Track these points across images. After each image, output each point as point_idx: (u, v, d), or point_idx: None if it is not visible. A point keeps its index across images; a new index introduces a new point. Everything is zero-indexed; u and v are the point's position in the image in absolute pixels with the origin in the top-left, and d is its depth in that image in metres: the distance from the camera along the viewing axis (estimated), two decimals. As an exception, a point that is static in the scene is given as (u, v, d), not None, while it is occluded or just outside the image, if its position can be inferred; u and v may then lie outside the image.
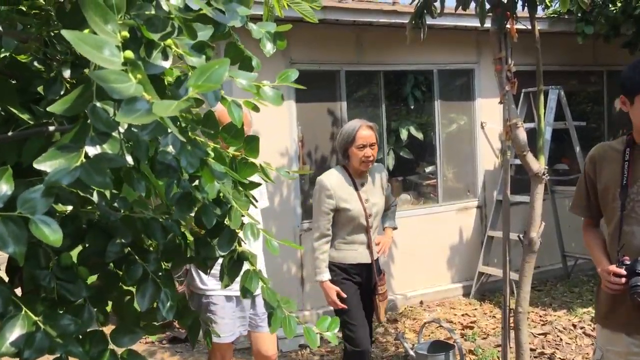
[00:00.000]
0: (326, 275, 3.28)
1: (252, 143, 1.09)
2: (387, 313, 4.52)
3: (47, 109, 0.67)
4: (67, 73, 0.94)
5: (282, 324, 1.10)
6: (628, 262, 2.10)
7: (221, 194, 1.00)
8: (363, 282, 3.38)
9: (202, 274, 2.79)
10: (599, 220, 2.42)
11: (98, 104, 0.69)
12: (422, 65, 5.79)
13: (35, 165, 0.63)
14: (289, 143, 5.09)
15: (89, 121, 0.66)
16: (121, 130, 0.71)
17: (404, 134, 5.80)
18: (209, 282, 2.80)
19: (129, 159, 0.77)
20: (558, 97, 5.70)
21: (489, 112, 6.03)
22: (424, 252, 5.76)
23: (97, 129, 0.66)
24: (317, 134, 5.47)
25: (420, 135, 5.86)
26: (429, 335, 4.59)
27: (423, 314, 5.34)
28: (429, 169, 6.10)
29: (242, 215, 1.02)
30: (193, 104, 0.76)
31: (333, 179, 3.28)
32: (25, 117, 0.93)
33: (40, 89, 0.97)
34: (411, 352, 4.04)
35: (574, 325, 4.88)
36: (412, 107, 5.89)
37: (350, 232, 3.32)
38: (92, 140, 0.66)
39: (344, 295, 3.24)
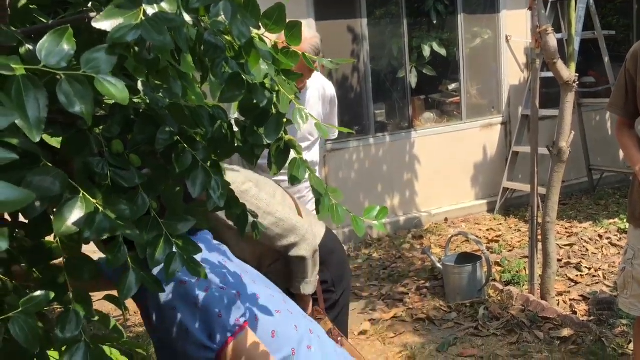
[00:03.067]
0: None
1: (294, 29, 1.06)
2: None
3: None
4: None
5: (330, 211, 1.11)
6: None
7: (267, 79, 0.98)
8: None
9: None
10: (634, 121, 2.37)
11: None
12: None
13: (94, 24, 0.61)
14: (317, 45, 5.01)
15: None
16: (177, -10, 0.69)
17: (426, 51, 5.66)
18: None
19: (187, 18, 0.75)
20: (587, 6, 5.47)
21: (514, 25, 5.84)
22: (448, 169, 5.75)
23: (153, -11, 0.64)
24: (338, 53, 5.36)
25: (443, 52, 5.71)
26: (455, 250, 4.65)
27: (448, 230, 5.40)
28: (452, 86, 5.99)
29: (290, 101, 1.00)
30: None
31: None
32: None
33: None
34: (438, 265, 4.12)
35: (600, 236, 4.90)
36: (434, 22, 5.71)
37: None
38: (149, -1, 0.64)
39: None
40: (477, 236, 5.08)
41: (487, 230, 5.41)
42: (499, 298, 3.78)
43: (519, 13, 5.85)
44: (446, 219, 5.73)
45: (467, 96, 5.87)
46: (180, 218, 1.03)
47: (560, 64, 3.30)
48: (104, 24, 0.62)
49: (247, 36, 0.81)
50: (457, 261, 3.99)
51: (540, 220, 3.66)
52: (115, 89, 0.62)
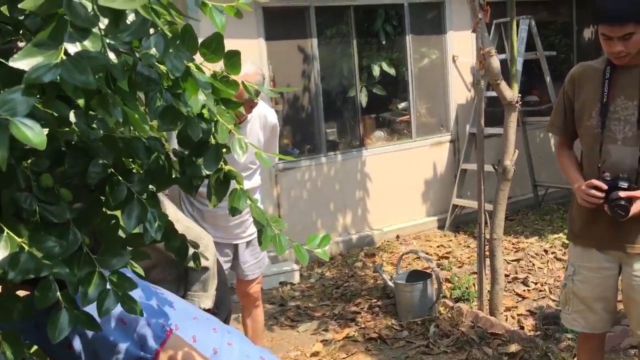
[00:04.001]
0: None
1: (233, 58, 1.04)
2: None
3: (19, 5, 0.62)
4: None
5: (272, 242, 1.09)
6: (609, 178, 2.14)
7: (205, 109, 0.97)
8: None
9: (185, 213, 2.77)
10: (572, 141, 2.45)
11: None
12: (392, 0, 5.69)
13: (12, 64, 0.58)
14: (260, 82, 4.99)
15: (66, 17, 0.61)
16: (101, 26, 0.67)
17: (376, 71, 5.73)
18: None
19: (112, 56, 0.73)
20: (529, 27, 5.67)
21: (460, 45, 5.99)
22: (399, 187, 5.82)
23: (76, 25, 0.62)
24: (289, 73, 5.38)
25: (392, 71, 5.81)
26: (407, 267, 4.69)
27: (400, 248, 5.45)
28: (402, 105, 6.09)
29: (229, 131, 0.99)
30: None
31: None
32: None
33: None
34: (390, 283, 4.14)
35: (546, 251, 5.03)
36: (383, 42, 5.81)
37: None
38: (71, 36, 0.62)
39: None
40: (427, 253, 5.14)
41: (438, 246, 5.49)
42: (449, 315, 3.82)
43: (465, 34, 6.00)
44: (398, 237, 5.78)
45: (417, 115, 5.97)
46: (114, 252, 1.00)
47: (503, 85, 3.40)
48: (22, 63, 0.59)
49: (181, 70, 0.80)
50: (409, 279, 4.03)
51: (488, 237, 3.73)
52: (31, 133, 0.59)
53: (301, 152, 5.50)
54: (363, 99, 5.71)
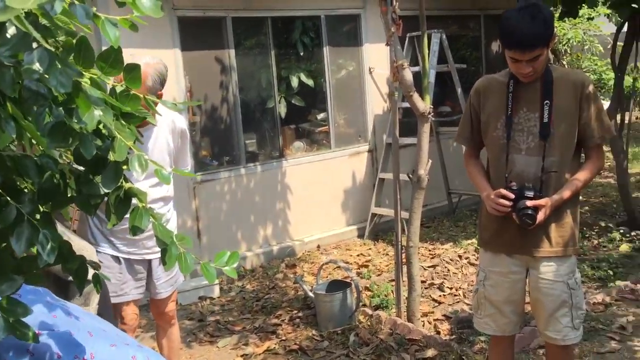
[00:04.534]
0: None
1: (133, 72, 1.01)
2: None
3: None
4: None
5: (178, 261, 1.06)
6: (515, 187, 2.24)
7: (102, 125, 0.93)
8: None
9: (93, 227, 2.64)
10: (479, 151, 2.56)
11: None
12: (309, 11, 5.75)
13: None
14: (176, 93, 4.90)
15: None
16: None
17: (294, 82, 5.76)
18: (98, 238, 2.67)
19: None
20: (440, 41, 5.89)
21: (376, 57, 6.13)
22: (319, 197, 5.86)
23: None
24: (206, 83, 5.31)
25: (310, 82, 5.85)
26: (327, 277, 4.72)
27: (320, 257, 5.47)
28: (320, 116, 6.15)
29: (128, 148, 0.95)
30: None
31: None
32: None
33: None
34: (310, 294, 4.15)
35: (460, 256, 5.21)
36: (301, 54, 5.85)
37: None
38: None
39: None
40: (347, 262, 5.20)
41: (358, 255, 5.56)
42: (369, 323, 3.87)
43: (381, 46, 6.12)
44: (319, 247, 5.81)
45: (335, 125, 6.04)
46: (4, 278, 0.93)
47: (416, 97, 3.50)
48: None
49: (67, 86, 0.76)
50: (329, 289, 4.04)
51: (404, 244, 3.82)
52: None
53: (220, 163, 5.43)
54: (282, 109, 5.72)
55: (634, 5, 4.75)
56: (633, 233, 5.40)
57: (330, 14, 5.83)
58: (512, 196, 2.24)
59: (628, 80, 7.37)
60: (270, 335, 3.92)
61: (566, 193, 2.26)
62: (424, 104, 3.54)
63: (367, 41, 6.08)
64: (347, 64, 6.16)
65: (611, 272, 4.52)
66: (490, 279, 2.45)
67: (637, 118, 11.86)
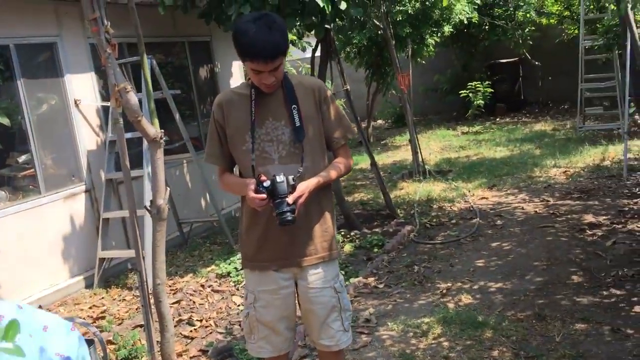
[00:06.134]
0: None
1: None
2: None
3: None
4: None
5: None
6: (268, 185, 2.14)
7: None
8: None
9: None
10: (232, 168, 2.46)
11: None
12: (-5, 40, 4.98)
13: None
14: None
15: None
16: None
17: (-17, 120, 4.91)
18: None
19: None
20: (151, 67, 5.68)
21: (81, 88, 5.63)
22: (34, 251, 5.08)
23: None
24: None
25: (6, 121, 5.06)
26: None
27: (46, 319, 4.72)
28: (22, 159, 5.35)
29: None
30: None
31: None
32: None
33: None
34: None
35: (202, 286, 5.05)
36: (-11, 88, 5.02)
37: None
38: None
39: None
40: (80, 317, 4.59)
41: (90, 308, 4.97)
42: (122, 379, 3.44)
43: (85, 76, 5.68)
44: (40, 307, 5.02)
45: (43, 167, 5.33)
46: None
47: (144, 121, 3.23)
48: None
49: None
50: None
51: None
52: None
53: None
54: (-29, 154, 4.81)
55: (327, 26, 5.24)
56: (352, 233, 5.95)
57: (21, 42, 5.13)
58: (264, 197, 2.13)
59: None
60: None
61: (321, 179, 2.25)
62: (154, 129, 3.31)
63: (68, 72, 5.52)
64: (49, 98, 5.50)
65: (343, 273, 4.87)
66: (261, 299, 2.36)
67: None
